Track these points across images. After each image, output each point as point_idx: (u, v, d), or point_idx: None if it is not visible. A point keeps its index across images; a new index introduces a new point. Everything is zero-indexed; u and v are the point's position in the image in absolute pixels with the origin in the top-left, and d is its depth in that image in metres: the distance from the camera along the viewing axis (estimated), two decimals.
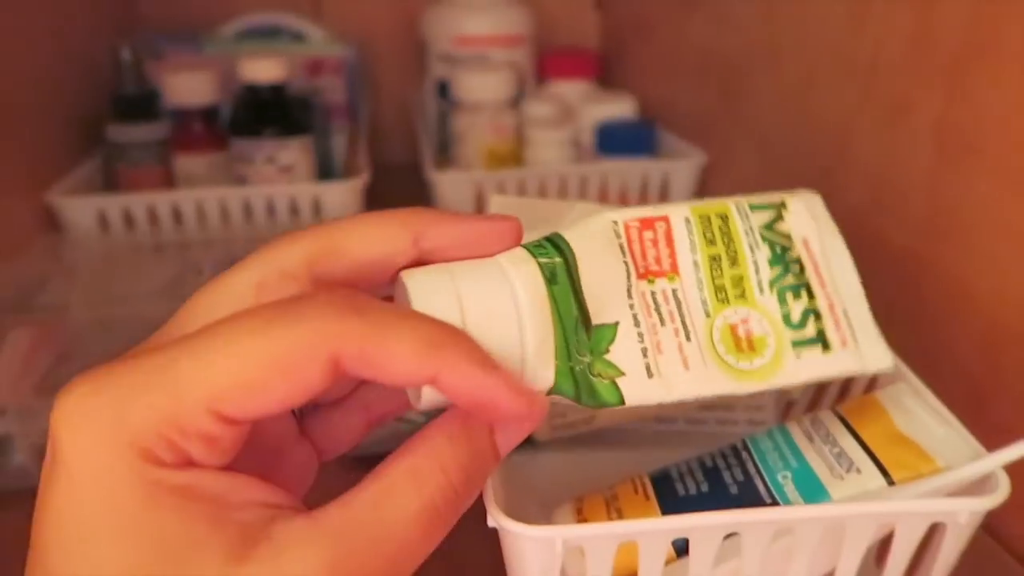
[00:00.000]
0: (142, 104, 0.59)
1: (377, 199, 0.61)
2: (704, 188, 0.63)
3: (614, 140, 0.64)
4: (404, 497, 0.17)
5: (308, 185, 0.58)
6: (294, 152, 0.59)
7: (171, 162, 0.59)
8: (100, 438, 0.15)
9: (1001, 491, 0.22)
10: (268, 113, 0.58)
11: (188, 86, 0.59)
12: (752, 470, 0.26)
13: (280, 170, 0.58)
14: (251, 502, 0.16)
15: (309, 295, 0.17)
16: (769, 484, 0.25)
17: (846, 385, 0.32)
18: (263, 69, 0.57)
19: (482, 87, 0.65)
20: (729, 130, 0.59)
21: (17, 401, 0.36)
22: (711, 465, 0.27)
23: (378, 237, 0.19)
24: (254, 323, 0.16)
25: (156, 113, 0.59)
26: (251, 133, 0.58)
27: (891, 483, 0.24)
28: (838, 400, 0.32)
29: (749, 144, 0.55)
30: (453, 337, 0.17)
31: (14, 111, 0.52)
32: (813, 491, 0.24)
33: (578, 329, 0.20)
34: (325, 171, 0.64)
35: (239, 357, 0.16)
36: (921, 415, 0.25)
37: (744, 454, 0.27)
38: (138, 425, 0.15)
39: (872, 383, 0.30)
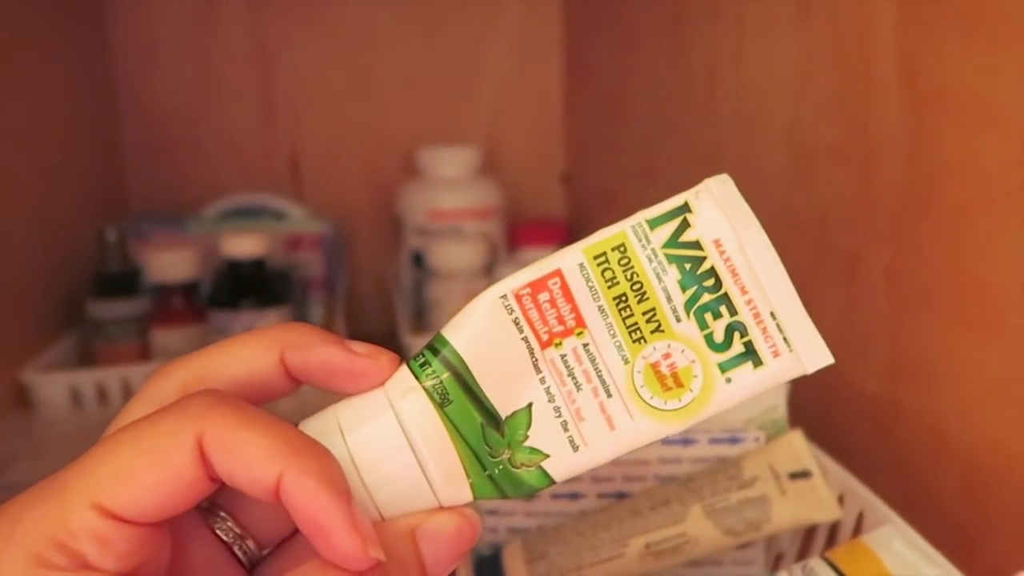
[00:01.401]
0: (124, 282, 0.60)
1: None
2: None
3: None
4: None
5: None
6: (271, 322, 0.59)
7: (149, 338, 0.60)
8: None
9: None
10: (247, 286, 0.60)
11: (169, 262, 0.60)
12: None
13: None
14: None
15: (186, 396, 0.18)
16: None
17: (833, 531, 0.31)
18: (243, 245, 0.59)
19: (456, 256, 0.67)
20: None
21: None
22: None
23: (244, 356, 0.19)
24: (128, 428, 0.17)
25: (137, 290, 0.61)
26: (230, 305, 0.59)
27: None
28: (826, 547, 0.31)
29: None
30: (314, 450, 0.17)
31: None
32: None
33: (486, 433, 0.20)
34: None
35: (113, 454, 0.17)
36: (911, 557, 0.25)
37: None
38: (30, 534, 0.16)
39: (859, 527, 0.29)
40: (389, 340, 0.68)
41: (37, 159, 0.61)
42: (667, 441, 0.33)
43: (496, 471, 0.19)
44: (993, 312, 0.32)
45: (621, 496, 0.34)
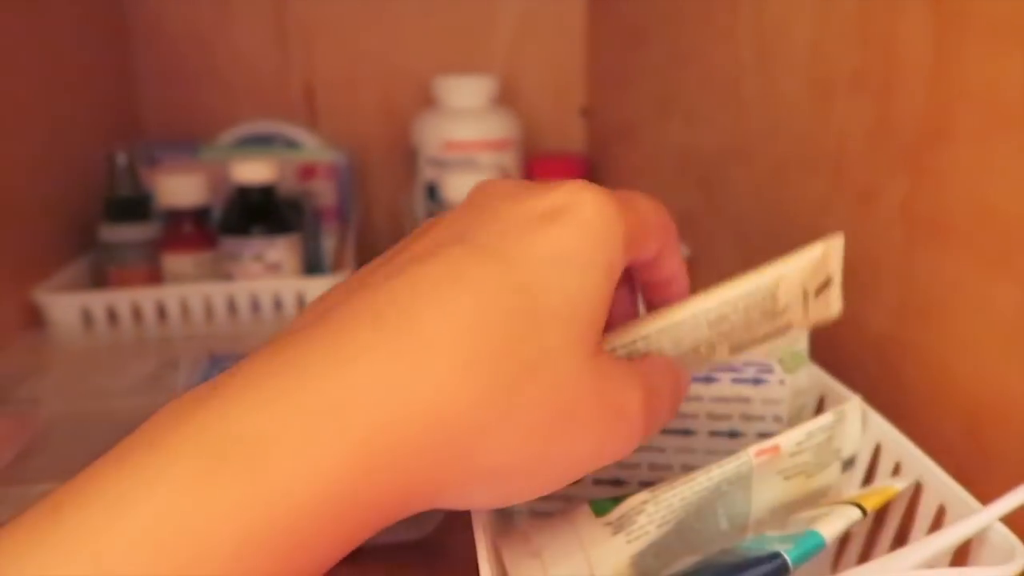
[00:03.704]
0: (134, 206, 0.60)
1: None
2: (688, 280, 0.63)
3: None
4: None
5: (291, 280, 0.59)
6: (281, 250, 0.59)
7: (159, 262, 0.60)
8: (616, 216, 0.22)
9: (1018, 560, 0.21)
10: (257, 213, 0.59)
11: (179, 188, 0.60)
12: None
13: (267, 267, 0.59)
14: None
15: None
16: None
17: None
18: (253, 171, 0.59)
19: (470, 188, 0.66)
20: (709, 223, 0.60)
21: None
22: None
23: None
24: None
25: (147, 215, 0.61)
26: (239, 232, 0.59)
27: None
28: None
29: (728, 236, 0.56)
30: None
31: (5, 210, 0.53)
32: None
33: None
34: (315, 271, 0.65)
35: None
36: None
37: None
38: (629, 218, 0.23)
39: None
40: None
41: (47, 84, 0.60)
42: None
43: None
44: (1009, 247, 0.31)
45: None
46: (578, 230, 0.20)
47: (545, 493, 0.21)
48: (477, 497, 0.19)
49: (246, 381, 0.17)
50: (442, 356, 0.17)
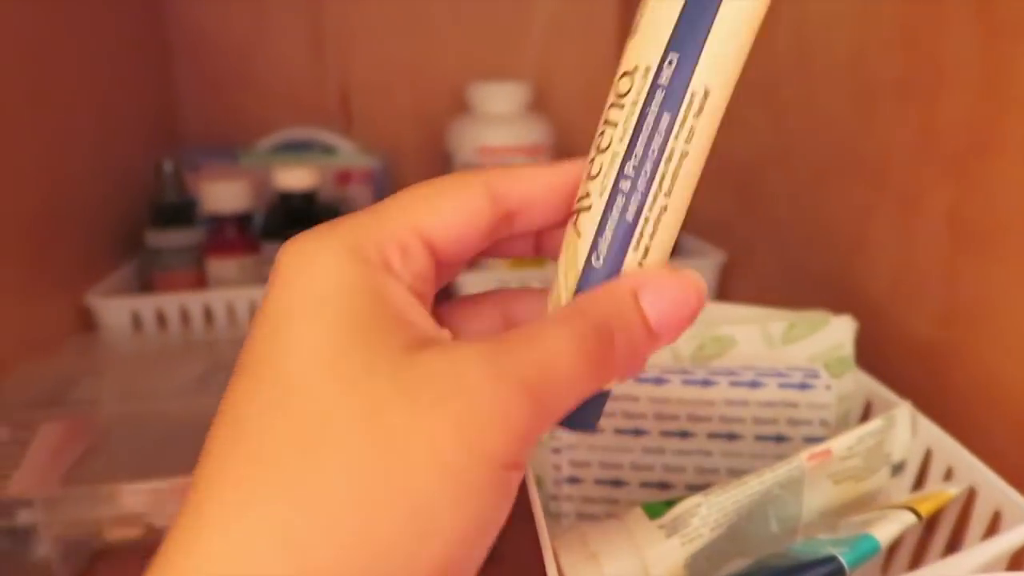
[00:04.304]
0: (180, 212, 0.62)
1: None
2: (724, 286, 0.63)
3: None
4: (555, 324, 0.18)
5: None
6: None
7: (204, 266, 0.62)
8: (313, 244, 0.18)
9: None
10: (298, 218, 0.61)
11: (223, 194, 0.61)
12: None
13: None
14: (423, 319, 0.18)
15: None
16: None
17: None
18: (295, 178, 0.60)
19: None
20: (747, 229, 0.60)
21: (43, 492, 0.36)
22: None
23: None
24: (428, 182, 0.20)
25: (192, 220, 0.62)
26: (281, 236, 0.60)
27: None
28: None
29: (766, 242, 0.56)
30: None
31: (59, 217, 0.55)
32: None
33: None
34: None
35: (419, 194, 0.19)
36: None
37: None
38: (349, 231, 0.18)
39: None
40: None
41: (94, 95, 0.62)
42: (735, 383, 0.33)
43: None
44: None
45: (684, 435, 0.34)
46: (281, 286, 0.18)
47: None
48: None
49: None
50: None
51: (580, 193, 0.20)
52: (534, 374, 0.17)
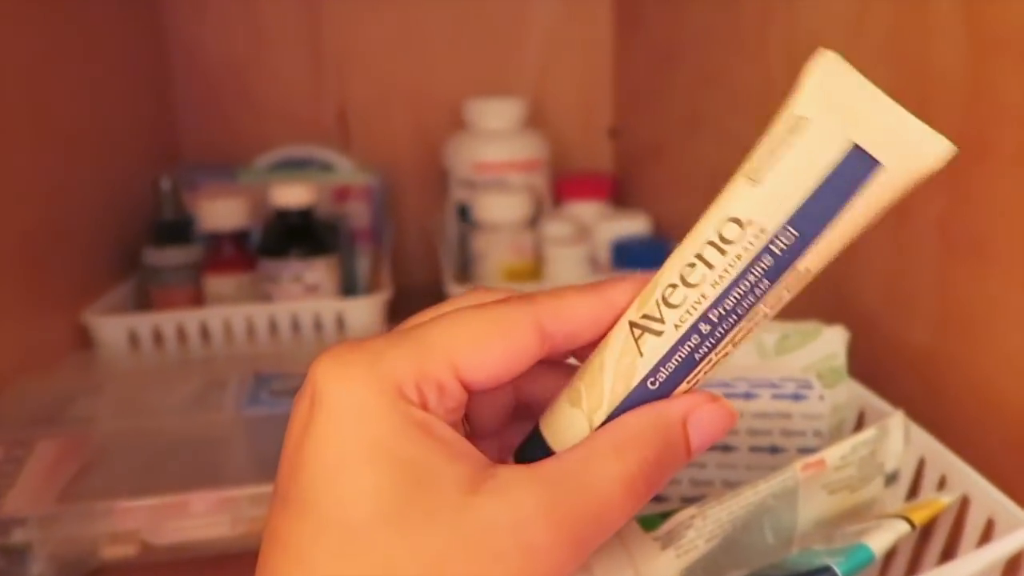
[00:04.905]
0: (178, 230, 0.62)
1: (399, 316, 0.62)
2: None
3: (630, 255, 0.65)
4: (607, 460, 0.19)
5: (331, 301, 0.60)
6: (320, 271, 0.61)
7: (202, 283, 0.62)
8: (357, 378, 0.18)
9: None
10: (296, 235, 0.61)
11: (221, 211, 0.62)
12: None
13: (306, 288, 0.60)
14: (471, 452, 0.19)
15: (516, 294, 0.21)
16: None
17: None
18: (292, 194, 0.61)
19: (501, 209, 0.68)
20: None
21: (38, 510, 0.36)
22: None
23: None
24: (477, 307, 0.20)
25: (190, 238, 0.62)
26: (279, 254, 0.60)
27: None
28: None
29: None
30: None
31: (57, 235, 0.55)
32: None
33: None
34: (350, 292, 0.66)
35: (468, 324, 0.19)
36: None
37: None
38: (391, 367, 0.18)
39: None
40: (433, 291, 0.70)
41: (95, 113, 0.62)
42: (729, 394, 0.33)
43: None
44: None
45: None
46: (328, 422, 0.18)
47: None
48: None
49: None
50: None
51: (647, 309, 0.20)
52: (587, 530, 0.18)
